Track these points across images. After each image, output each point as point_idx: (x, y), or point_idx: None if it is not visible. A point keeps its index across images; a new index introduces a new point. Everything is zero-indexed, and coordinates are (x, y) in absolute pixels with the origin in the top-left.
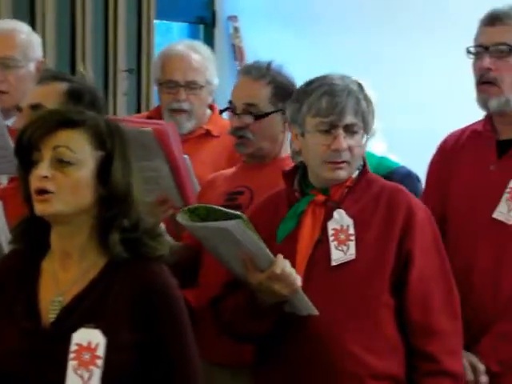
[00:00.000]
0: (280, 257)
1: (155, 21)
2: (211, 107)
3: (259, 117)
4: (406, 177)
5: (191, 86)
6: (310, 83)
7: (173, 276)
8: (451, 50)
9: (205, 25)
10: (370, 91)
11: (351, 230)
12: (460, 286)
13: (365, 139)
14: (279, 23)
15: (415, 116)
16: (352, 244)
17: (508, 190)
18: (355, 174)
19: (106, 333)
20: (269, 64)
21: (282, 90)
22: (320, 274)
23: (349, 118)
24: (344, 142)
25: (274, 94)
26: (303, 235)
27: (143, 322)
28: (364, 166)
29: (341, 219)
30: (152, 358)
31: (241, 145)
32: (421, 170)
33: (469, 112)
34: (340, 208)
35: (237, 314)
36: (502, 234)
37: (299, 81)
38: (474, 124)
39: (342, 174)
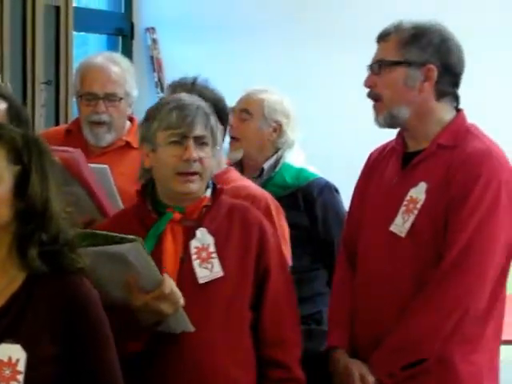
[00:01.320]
0: (167, 276)
1: (73, 32)
2: (130, 119)
3: None
4: (323, 187)
5: (110, 98)
6: (159, 102)
7: (93, 289)
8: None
9: (123, 36)
10: (289, 105)
11: (212, 248)
12: (359, 297)
13: (213, 152)
14: (197, 35)
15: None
16: (215, 261)
17: (405, 202)
18: (208, 192)
19: (26, 347)
20: (194, 79)
21: (211, 105)
22: (188, 291)
23: (198, 130)
24: (194, 152)
25: None
26: (166, 255)
27: (64, 334)
28: (214, 184)
29: (203, 238)
30: (74, 370)
31: None
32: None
33: None
34: (201, 226)
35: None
36: (397, 247)
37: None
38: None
39: (193, 186)
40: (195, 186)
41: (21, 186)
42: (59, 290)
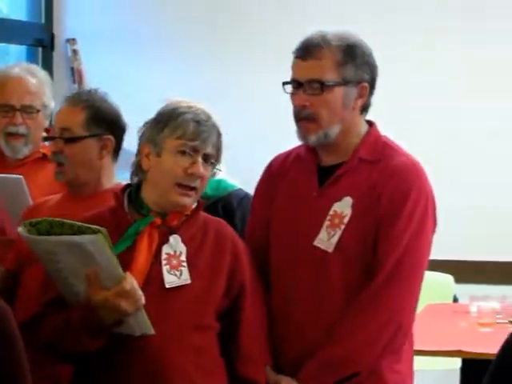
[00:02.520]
0: (129, 274)
1: None
2: (47, 131)
3: (70, 140)
4: (243, 199)
5: (28, 110)
6: (174, 108)
7: (5, 303)
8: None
9: (43, 47)
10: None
11: (183, 257)
12: (281, 313)
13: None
14: (119, 46)
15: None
16: (185, 270)
17: (329, 217)
18: (195, 204)
19: None
20: (90, 91)
21: (99, 115)
22: (153, 295)
23: (210, 148)
24: (202, 168)
25: (88, 119)
26: (139, 256)
27: None
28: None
29: (176, 245)
30: None
31: (59, 173)
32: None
33: None
34: (176, 234)
35: (60, 333)
36: (322, 262)
37: (138, 103)
38: (299, 147)
39: (188, 201)
40: (190, 200)
41: None
42: None
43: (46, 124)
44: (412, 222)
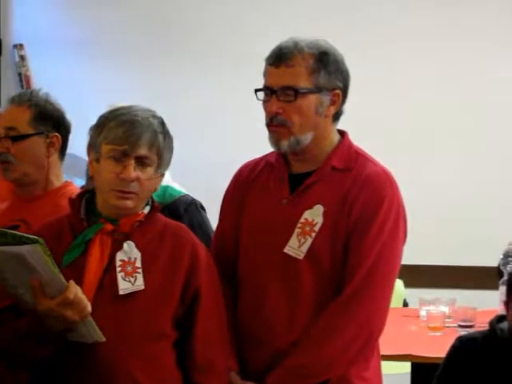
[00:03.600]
0: (72, 282)
1: None
2: None
3: (16, 138)
4: (190, 205)
5: None
6: (113, 111)
7: None
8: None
9: None
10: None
11: (138, 263)
12: (251, 320)
13: (157, 174)
14: (67, 51)
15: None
16: (139, 276)
17: (299, 225)
18: (146, 209)
19: None
20: (33, 91)
21: (44, 113)
22: (107, 302)
23: (142, 150)
24: (133, 172)
25: (34, 117)
26: (91, 263)
27: None
28: (153, 202)
29: (130, 251)
30: None
31: (5, 170)
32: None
33: None
34: (129, 240)
35: (14, 339)
36: (293, 269)
37: (86, 108)
38: (269, 154)
39: (129, 203)
40: (130, 202)
41: None
42: None
43: None
44: (383, 232)
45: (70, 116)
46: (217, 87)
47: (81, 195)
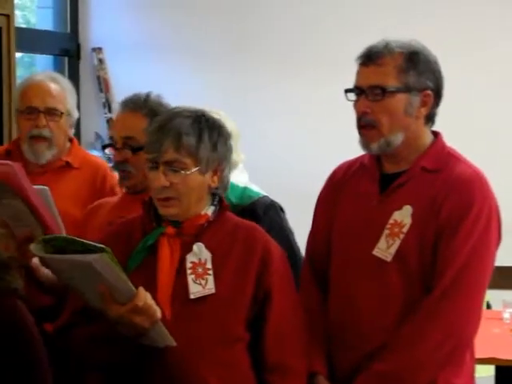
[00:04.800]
0: (141, 289)
1: (19, 54)
2: (71, 140)
3: (137, 149)
4: (268, 206)
5: (51, 112)
6: (155, 119)
7: (29, 312)
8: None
9: (69, 57)
10: (232, 125)
11: (209, 265)
12: (340, 323)
13: (198, 173)
14: (144, 54)
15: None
16: (210, 278)
17: (388, 226)
18: (210, 210)
19: None
20: (146, 96)
21: None
22: (178, 305)
23: (168, 155)
24: (162, 178)
25: None
26: (162, 266)
27: None
28: (221, 201)
29: (200, 253)
30: None
31: (123, 178)
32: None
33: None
34: (199, 241)
35: (92, 343)
36: (381, 271)
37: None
38: (363, 156)
39: (171, 211)
40: (173, 210)
41: None
42: None
43: (70, 133)
44: (473, 235)
45: None
46: (300, 89)
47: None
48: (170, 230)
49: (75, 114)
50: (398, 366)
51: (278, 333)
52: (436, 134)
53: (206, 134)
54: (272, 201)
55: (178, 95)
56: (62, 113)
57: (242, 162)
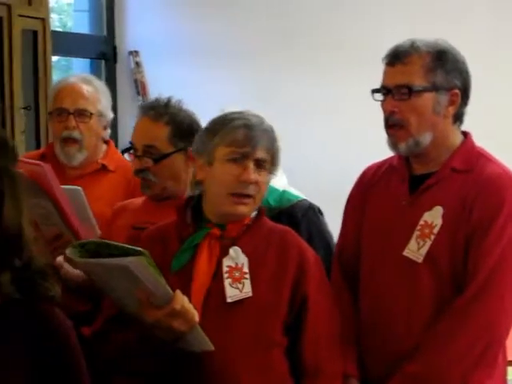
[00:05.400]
0: (178, 292)
1: (55, 57)
2: (106, 142)
3: (159, 159)
4: (307, 210)
5: (80, 113)
6: (225, 116)
7: (67, 318)
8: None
9: (106, 60)
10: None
11: (246, 269)
12: (370, 325)
13: (269, 178)
14: (181, 57)
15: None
16: (247, 282)
17: (418, 227)
18: (253, 214)
19: None
20: (167, 102)
21: (182, 128)
22: (215, 310)
23: (260, 153)
24: (253, 174)
25: (173, 134)
26: (199, 270)
27: (35, 366)
28: (260, 207)
29: (236, 257)
30: None
31: (145, 186)
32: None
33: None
34: (236, 245)
35: (126, 350)
36: (412, 273)
37: (202, 114)
38: (392, 157)
39: (245, 210)
40: (246, 209)
41: None
42: (31, 320)
43: (104, 134)
44: (504, 235)
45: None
46: (333, 89)
47: (187, 202)
48: (216, 231)
49: (109, 115)
50: (430, 366)
51: (315, 338)
52: (465, 134)
53: (275, 141)
54: (311, 204)
55: (214, 97)
56: (91, 114)
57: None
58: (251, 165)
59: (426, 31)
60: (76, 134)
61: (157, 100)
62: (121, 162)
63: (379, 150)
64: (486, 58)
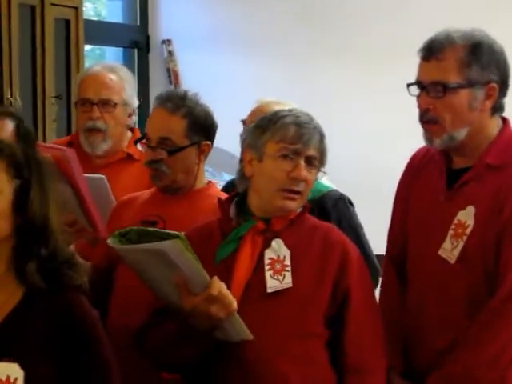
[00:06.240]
0: (216, 278)
1: (89, 46)
2: (132, 130)
3: (174, 151)
4: (338, 200)
5: (104, 103)
6: (275, 113)
7: (93, 307)
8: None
9: (139, 49)
10: None
11: (287, 261)
12: (412, 319)
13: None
14: (214, 47)
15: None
16: (288, 274)
17: (453, 226)
18: (299, 209)
19: (24, 366)
20: (185, 94)
21: (198, 122)
22: (255, 300)
23: (312, 150)
24: (304, 171)
25: (189, 127)
26: (241, 261)
27: (61, 354)
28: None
29: (278, 249)
30: None
31: (156, 177)
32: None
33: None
34: (278, 237)
35: (167, 342)
36: (446, 273)
37: (235, 104)
38: None
39: (293, 205)
40: (295, 204)
41: (21, 201)
42: (57, 309)
43: (129, 122)
44: None
45: (216, 110)
46: (367, 83)
47: (231, 197)
48: (261, 225)
49: (134, 103)
50: (467, 366)
51: (356, 334)
52: (504, 121)
53: (324, 138)
54: (341, 194)
55: (247, 87)
56: (115, 103)
57: None
58: (302, 162)
59: (464, 21)
60: (100, 124)
61: (174, 92)
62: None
63: (414, 142)
64: None
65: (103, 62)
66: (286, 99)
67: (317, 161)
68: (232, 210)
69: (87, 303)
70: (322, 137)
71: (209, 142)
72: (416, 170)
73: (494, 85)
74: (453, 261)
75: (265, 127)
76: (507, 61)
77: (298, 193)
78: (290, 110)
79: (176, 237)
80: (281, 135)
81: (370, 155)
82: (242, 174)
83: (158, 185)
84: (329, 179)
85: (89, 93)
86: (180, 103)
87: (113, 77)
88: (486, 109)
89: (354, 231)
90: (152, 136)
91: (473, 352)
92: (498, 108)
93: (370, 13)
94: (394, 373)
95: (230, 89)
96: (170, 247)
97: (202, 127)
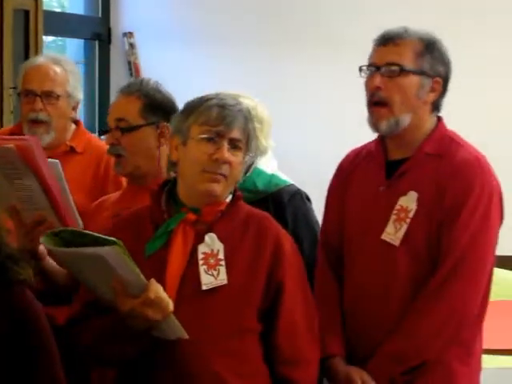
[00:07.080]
0: (153, 281)
1: (49, 37)
2: (76, 122)
3: (127, 130)
4: (294, 194)
5: (47, 95)
6: (201, 97)
7: (37, 300)
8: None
9: (100, 41)
10: (263, 111)
11: (221, 255)
12: (353, 306)
13: (244, 160)
14: (175, 40)
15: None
16: (222, 269)
17: (395, 211)
18: (228, 198)
19: None
20: (142, 81)
21: (155, 103)
22: (190, 297)
23: (235, 133)
24: (226, 153)
25: (144, 107)
26: (173, 256)
27: (5, 347)
28: (235, 191)
29: (212, 243)
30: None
31: (118, 164)
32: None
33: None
34: (211, 231)
35: (102, 337)
36: (390, 256)
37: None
38: (369, 143)
39: (217, 188)
40: (219, 187)
41: None
42: (1, 303)
43: (73, 114)
44: (474, 217)
45: (178, 104)
46: (320, 75)
47: (162, 186)
48: (191, 216)
49: (79, 96)
50: (407, 344)
51: (289, 325)
52: (438, 119)
53: (250, 121)
54: (298, 189)
55: (207, 81)
56: (58, 95)
57: (272, 149)
58: (225, 144)
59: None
60: (43, 115)
61: (134, 81)
62: (90, 143)
63: (364, 136)
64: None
65: (65, 53)
66: (246, 92)
67: (242, 143)
68: (163, 200)
69: (30, 296)
70: (246, 119)
71: (168, 125)
72: (347, 173)
73: (440, 80)
74: (397, 243)
75: (189, 111)
76: (451, 63)
77: (221, 175)
78: (216, 94)
79: (113, 242)
80: (204, 117)
81: (326, 148)
82: (170, 161)
83: (120, 173)
84: (288, 175)
85: (32, 84)
86: (135, 87)
87: (57, 69)
88: (429, 101)
89: (310, 226)
90: (109, 120)
91: (412, 330)
92: (436, 106)
93: (320, 6)
94: (338, 359)
95: (190, 82)
96: (107, 253)
97: (160, 108)
